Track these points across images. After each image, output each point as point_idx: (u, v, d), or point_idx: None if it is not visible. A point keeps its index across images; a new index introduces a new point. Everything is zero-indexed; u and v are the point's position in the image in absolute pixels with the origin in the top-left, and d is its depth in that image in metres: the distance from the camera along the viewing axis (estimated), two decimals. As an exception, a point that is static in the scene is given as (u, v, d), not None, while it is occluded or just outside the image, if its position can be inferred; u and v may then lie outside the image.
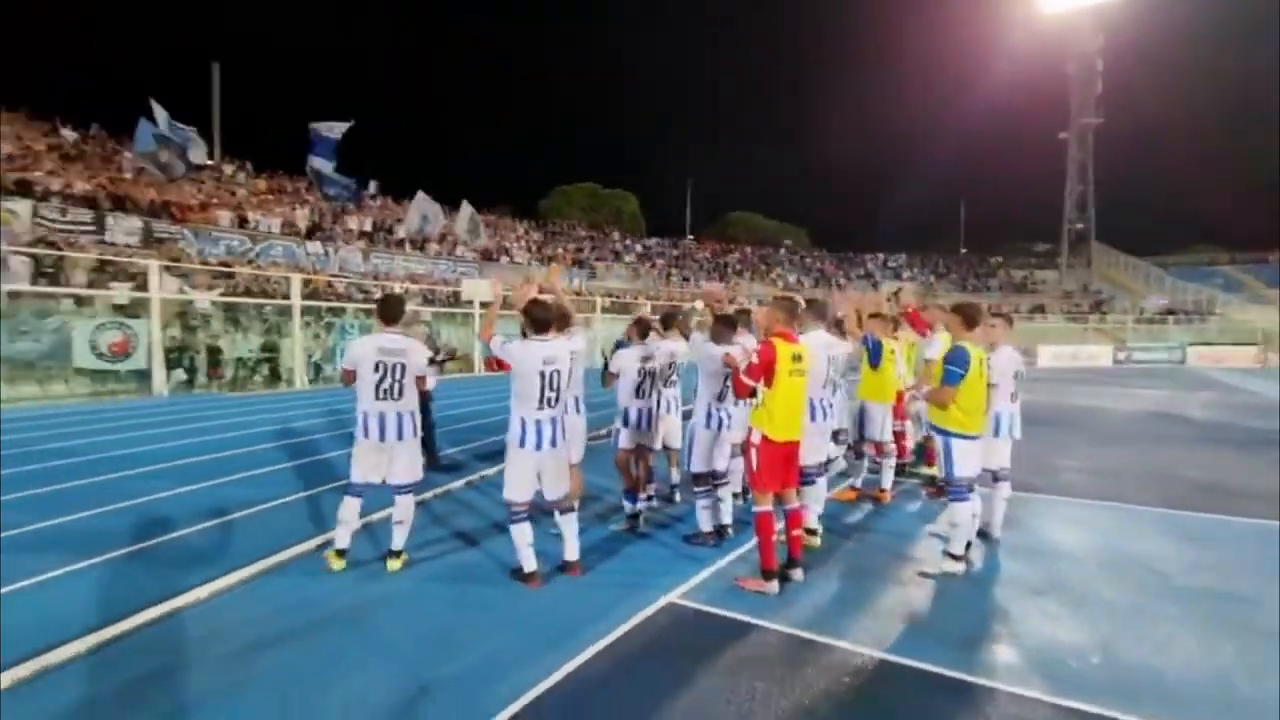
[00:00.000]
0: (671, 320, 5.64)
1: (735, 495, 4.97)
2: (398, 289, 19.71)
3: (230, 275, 18.77)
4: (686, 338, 5.34)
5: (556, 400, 3.93)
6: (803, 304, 4.46)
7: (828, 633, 3.31)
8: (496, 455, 3.97)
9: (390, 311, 4.30)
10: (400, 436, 4.04)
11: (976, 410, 4.14)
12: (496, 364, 4.01)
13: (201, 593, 3.68)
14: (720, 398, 4.56)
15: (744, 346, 4.35)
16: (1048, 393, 16.20)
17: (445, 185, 29.03)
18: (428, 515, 5.34)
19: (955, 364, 4.02)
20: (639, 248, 43.55)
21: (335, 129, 21.54)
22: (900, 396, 5.94)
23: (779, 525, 3.94)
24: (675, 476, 5.84)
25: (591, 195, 53.06)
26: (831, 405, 4.86)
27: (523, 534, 3.90)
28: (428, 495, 5.82)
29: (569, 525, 4.10)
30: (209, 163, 25.27)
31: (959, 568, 4.11)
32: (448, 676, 2.87)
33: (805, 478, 4.59)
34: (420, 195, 25.44)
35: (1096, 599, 3.81)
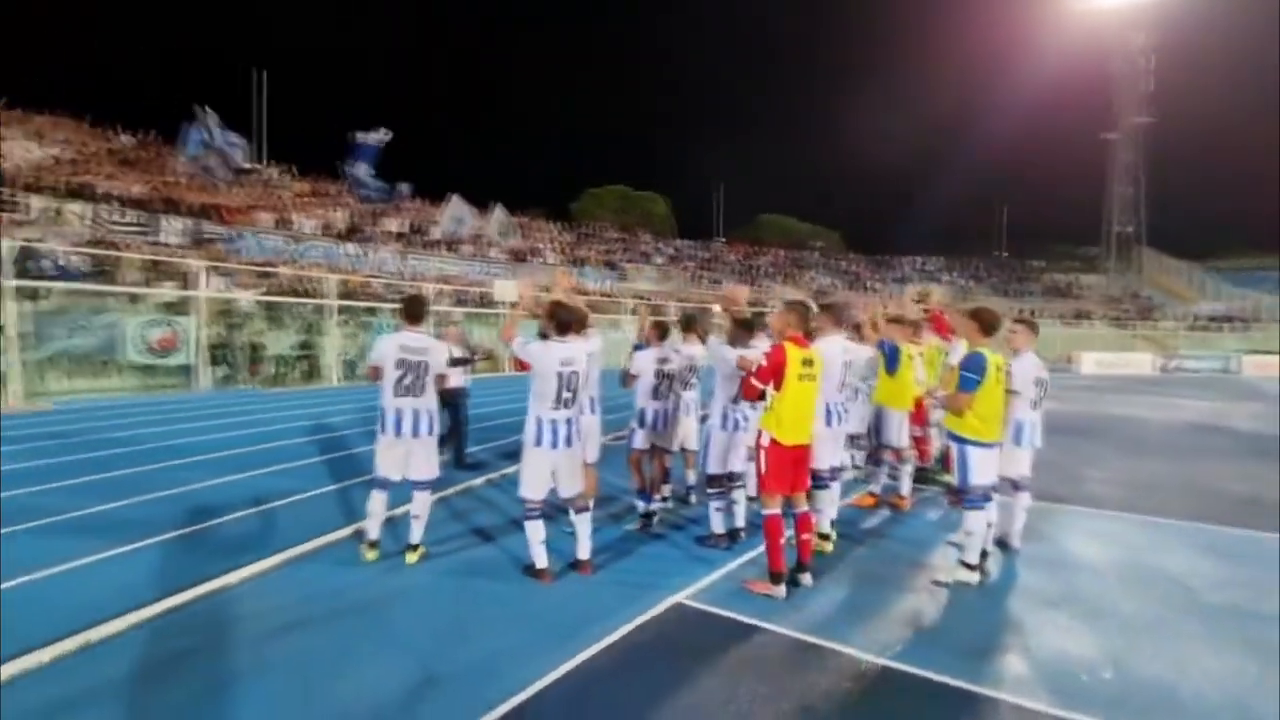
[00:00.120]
0: (692, 323, 5.70)
1: (750, 499, 4.99)
2: (429, 290, 20.17)
3: (272, 275, 19.44)
4: (704, 341, 5.38)
5: (573, 400, 4.02)
6: (815, 308, 4.46)
7: (833, 638, 3.32)
8: (519, 454, 4.08)
9: (414, 311, 4.46)
10: (417, 433, 4.18)
11: (993, 417, 4.09)
12: (519, 364, 4.13)
13: (232, 579, 3.88)
14: (736, 400, 4.58)
15: (761, 350, 4.37)
16: (1085, 401, 15.73)
17: (479, 187, 29.57)
18: (449, 511, 5.50)
19: (971, 370, 3.98)
20: (669, 250, 43.61)
21: (376, 137, 22.31)
22: (919, 402, 5.88)
23: (789, 530, 3.95)
24: (691, 478, 5.88)
25: (622, 197, 53.29)
26: (846, 410, 4.84)
27: (536, 531, 4.00)
28: (449, 492, 5.99)
29: (583, 524, 4.18)
30: (254, 167, 26.25)
31: (973, 577, 4.06)
32: (456, 667, 2.98)
33: (818, 481, 4.59)
34: (454, 197, 25.98)
35: (1114, 613, 3.72)
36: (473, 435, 7.56)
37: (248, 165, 22.46)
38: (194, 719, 2.62)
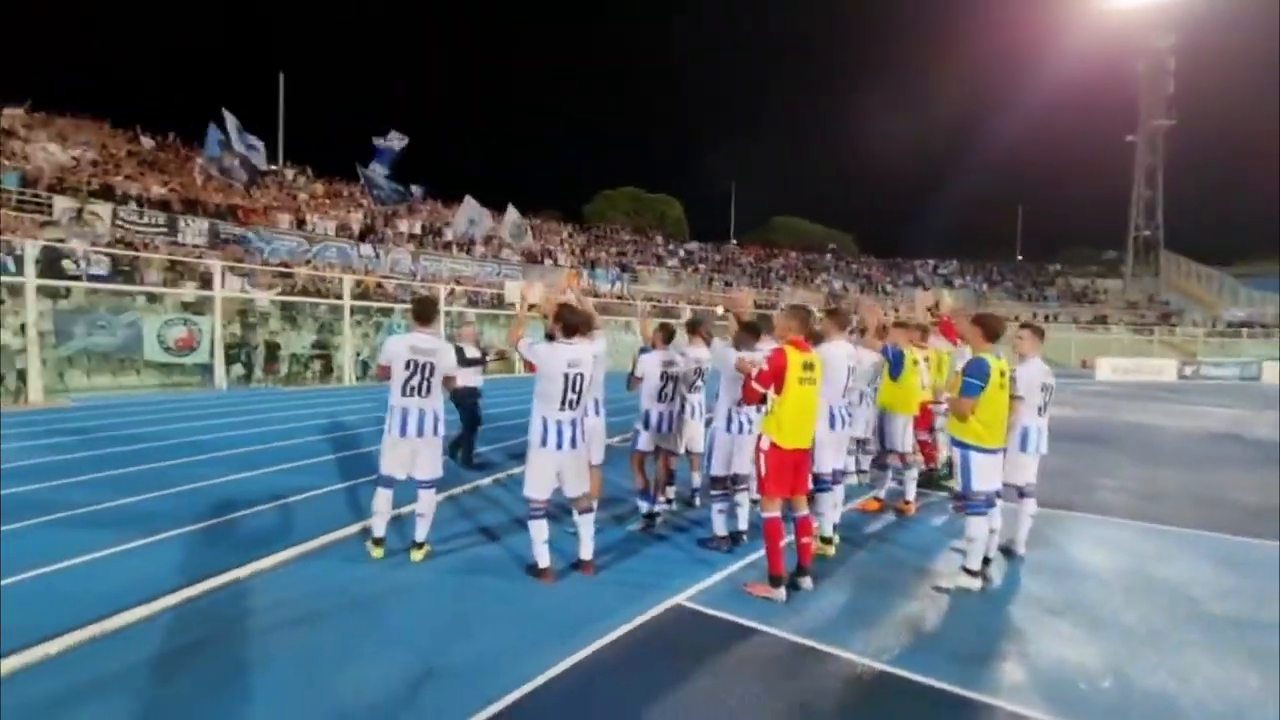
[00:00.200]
0: (697, 326, 5.73)
1: (754, 501, 5.00)
2: (442, 290, 20.34)
3: (288, 275, 19.71)
4: (708, 343, 5.41)
5: (578, 402, 4.07)
6: (817, 313, 4.48)
7: (830, 641, 3.33)
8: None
9: (424, 313, 4.53)
10: (422, 433, 4.24)
11: (996, 423, 4.08)
12: (530, 365, 4.19)
13: (242, 573, 3.97)
14: (741, 403, 4.60)
15: (764, 354, 4.39)
16: (1101, 408, 15.53)
17: (493, 189, 29.79)
18: (456, 509, 5.58)
19: (974, 376, 3.98)
20: (681, 252, 43.62)
21: (394, 142, 22.71)
22: (925, 407, 5.86)
23: (789, 534, 3.97)
24: (696, 481, 5.90)
25: (635, 199, 53.44)
26: (850, 414, 4.84)
27: (540, 530, 4.05)
28: (457, 491, 6.07)
29: (586, 525, 4.22)
30: (272, 168, 26.66)
31: (975, 583, 4.05)
32: (455, 663, 3.03)
33: (820, 485, 4.61)
34: (468, 199, 26.18)
35: (1116, 621, 3.70)
36: (483, 435, 7.63)
37: (264, 167, 22.83)
38: (202, 709, 2.69)
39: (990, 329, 4.10)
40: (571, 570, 4.17)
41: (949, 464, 6.62)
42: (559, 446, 4.00)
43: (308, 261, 22.57)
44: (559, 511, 4.87)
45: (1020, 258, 53.00)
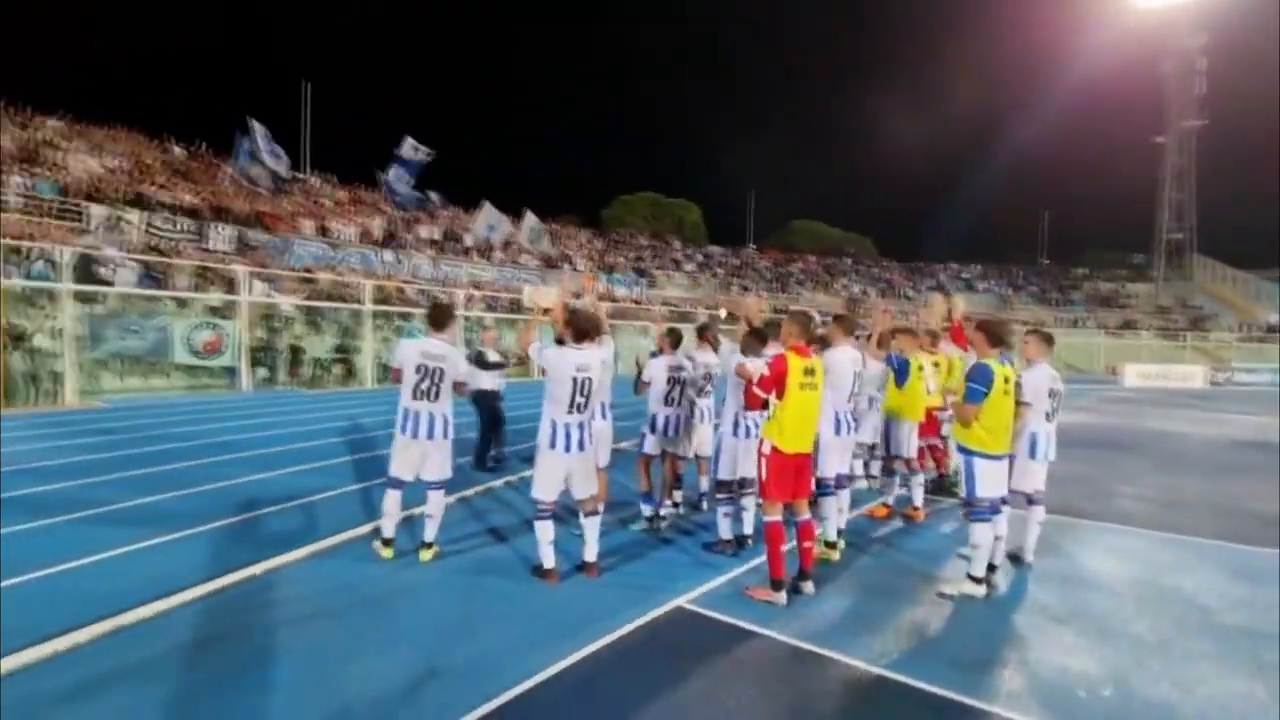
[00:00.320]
0: (704, 331, 5.78)
1: (759, 505, 5.02)
2: (461, 295, 20.63)
3: (312, 281, 20.13)
4: (715, 348, 5.46)
5: (586, 405, 4.14)
6: (817, 319, 4.50)
7: (828, 646, 3.34)
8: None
9: (438, 319, 4.64)
10: (432, 435, 4.34)
11: (1000, 429, 4.06)
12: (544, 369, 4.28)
13: (257, 569, 4.10)
14: (748, 407, 4.64)
15: (766, 359, 4.42)
16: (1125, 415, 15.23)
17: (511, 195, 30.15)
18: (468, 511, 5.69)
19: (977, 381, 3.97)
20: (699, 256, 43.65)
21: (419, 154, 23.29)
22: (930, 413, 5.84)
23: (790, 542, 3.99)
24: (705, 485, 5.94)
25: (654, 204, 53.57)
26: (856, 419, 4.85)
27: (545, 531, 4.12)
28: (469, 492, 6.18)
29: (591, 528, 4.28)
30: (297, 176, 27.29)
31: (979, 590, 4.04)
32: (457, 661, 3.11)
33: (823, 489, 4.62)
34: (487, 205, 26.53)
35: (1123, 631, 3.66)
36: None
37: (287, 175, 23.46)
38: (213, 702, 2.80)
39: (995, 334, 4.10)
40: (576, 572, 4.23)
41: (959, 470, 6.58)
42: (567, 449, 4.08)
43: (331, 267, 23.02)
44: (567, 514, 4.95)
45: (1045, 261, 52.07)
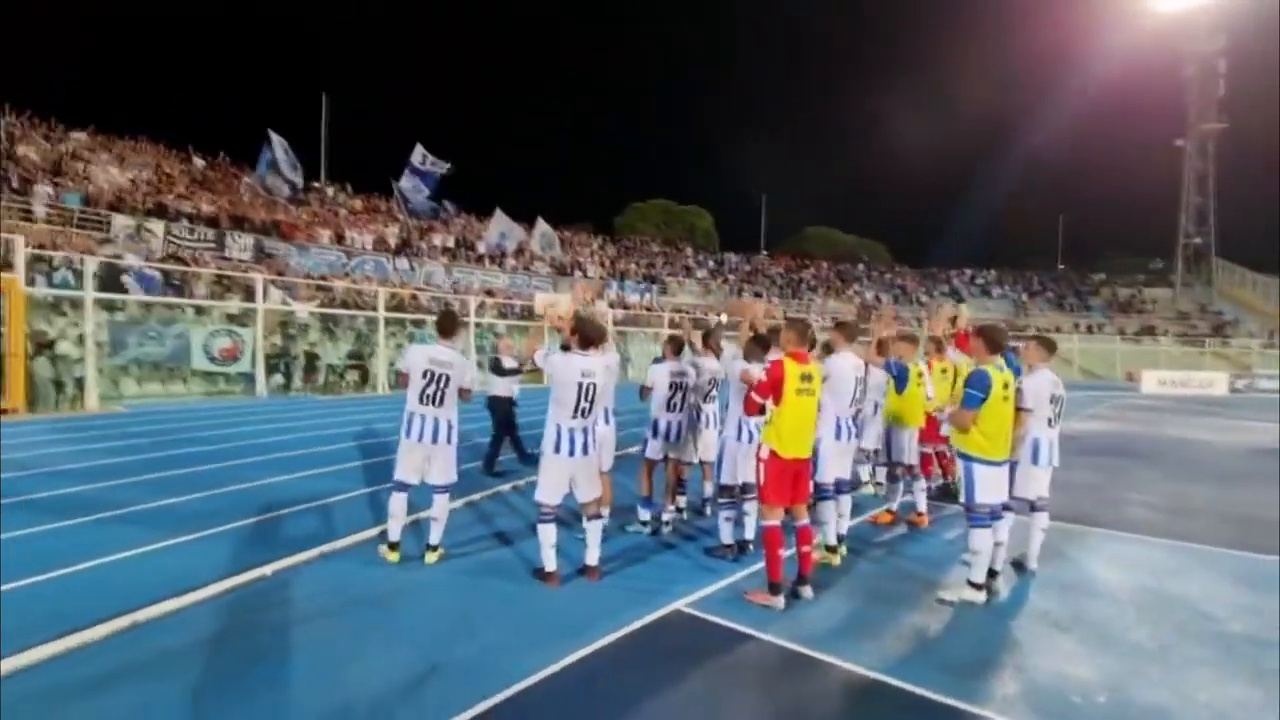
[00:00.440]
0: (708, 336, 5.83)
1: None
2: (473, 302, 20.84)
3: (327, 288, 20.45)
4: (718, 355, 5.51)
5: (590, 410, 4.22)
6: (812, 325, 4.55)
7: (825, 650, 3.37)
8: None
9: (446, 326, 4.74)
10: (436, 439, 4.43)
11: (999, 435, 4.08)
12: None
13: (267, 570, 4.21)
14: (745, 412, 4.68)
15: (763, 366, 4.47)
16: (1142, 422, 15.03)
17: (523, 203, 30.41)
18: (475, 514, 5.78)
19: (975, 387, 3.99)
20: (711, 263, 43.66)
21: (435, 167, 23.71)
22: (930, 419, 5.85)
23: (790, 548, 4.03)
24: (709, 490, 5.98)
25: (665, 211, 53.73)
26: (857, 425, 4.88)
27: (547, 534, 4.19)
28: (476, 496, 6.28)
29: (594, 531, 4.35)
30: (314, 185, 27.77)
31: (979, 596, 4.04)
32: (456, 660, 3.18)
33: (822, 494, 4.65)
34: (499, 213, 26.80)
35: (1123, 638, 3.65)
36: (507, 443, 7.82)
37: (301, 185, 23.94)
38: (217, 699, 2.89)
39: (992, 340, 4.12)
40: (578, 575, 4.30)
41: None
42: (571, 453, 4.15)
43: (346, 275, 23.36)
44: (571, 518, 5.03)
45: (1062, 266, 51.46)
